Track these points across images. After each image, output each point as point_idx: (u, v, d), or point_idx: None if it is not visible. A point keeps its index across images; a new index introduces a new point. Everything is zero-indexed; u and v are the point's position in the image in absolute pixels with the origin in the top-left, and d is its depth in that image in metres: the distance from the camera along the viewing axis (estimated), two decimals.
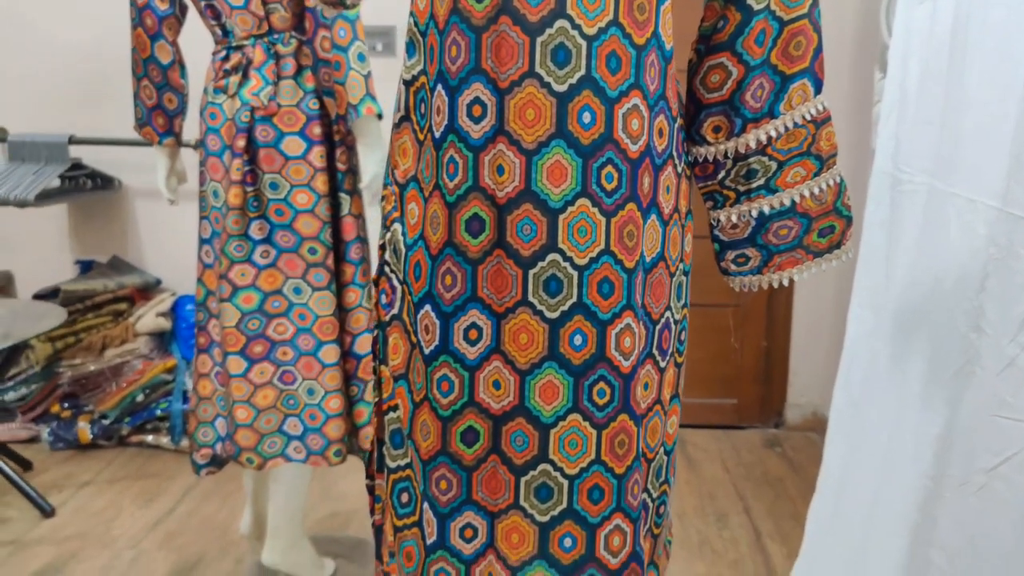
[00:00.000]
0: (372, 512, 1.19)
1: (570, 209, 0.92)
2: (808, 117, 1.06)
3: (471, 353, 0.95)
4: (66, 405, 3.28)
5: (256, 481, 2.33)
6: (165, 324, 3.34)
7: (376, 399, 1.11)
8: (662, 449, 1.09)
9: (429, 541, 1.01)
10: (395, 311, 1.03)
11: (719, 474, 3.13)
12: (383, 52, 3.24)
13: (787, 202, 1.09)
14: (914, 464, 1.42)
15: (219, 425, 2.15)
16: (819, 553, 1.85)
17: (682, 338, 1.10)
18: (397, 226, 1.02)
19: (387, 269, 1.05)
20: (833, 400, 1.90)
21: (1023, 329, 1.15)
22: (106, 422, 3.23)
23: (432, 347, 0.97)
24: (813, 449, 3.32)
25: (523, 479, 0.97)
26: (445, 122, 0.93)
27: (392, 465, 1.06)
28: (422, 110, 0.97)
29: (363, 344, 2.11)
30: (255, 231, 1.99)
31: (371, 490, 1.18)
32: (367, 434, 2.14)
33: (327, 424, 2.07)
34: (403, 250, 1.00)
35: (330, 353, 2.05)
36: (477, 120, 0.91)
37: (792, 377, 3.47)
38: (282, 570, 2.29)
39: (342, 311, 2.09)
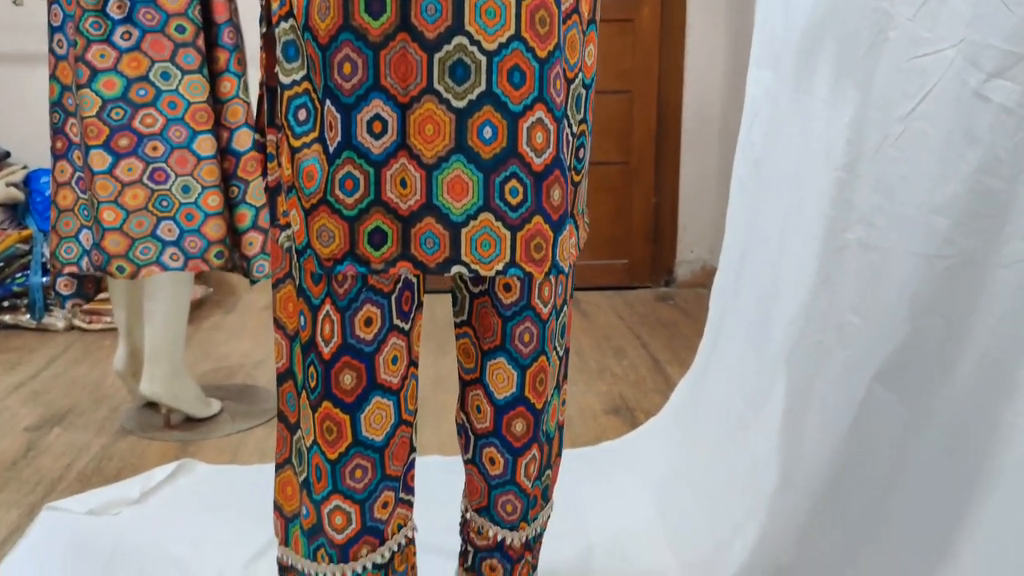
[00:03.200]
0: (265, 174, 1.07)
1: None
2: None
3: None
4: None
5: (129, 312, 2.15)
6: (18, 195, 3.07)
7: (266, 20, 0.99)
8: (581, 76, 1.01)
9: (333, 146, 0.91)
10: None
11: (614, 321, 3.11)
12: None
13: None
14: (825, 166, 1.40)
15: (84, 238, 1.97)
16: (724, 326, 1.83)
17: None
18: None
19: None
20: (734, 170, 1.87)
21: None
22: None
23: None
24: (704, 302, 3.34)
25: (436, 56, 0.88)
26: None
27: (287, 81, 0.95)
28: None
29: (242, 139, 1.96)
30: (114, 9, 1.81)
31: (262, 147, 1.06)
32: (251, 239, 2.00)
33: (206, 223, 1.92)
34: None
35: (206, 144, 1.89)
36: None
37: (681, 233, 3.48)
38: (163, 402, 2.13)
39: (217, 103, 1.93)
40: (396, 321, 0.99)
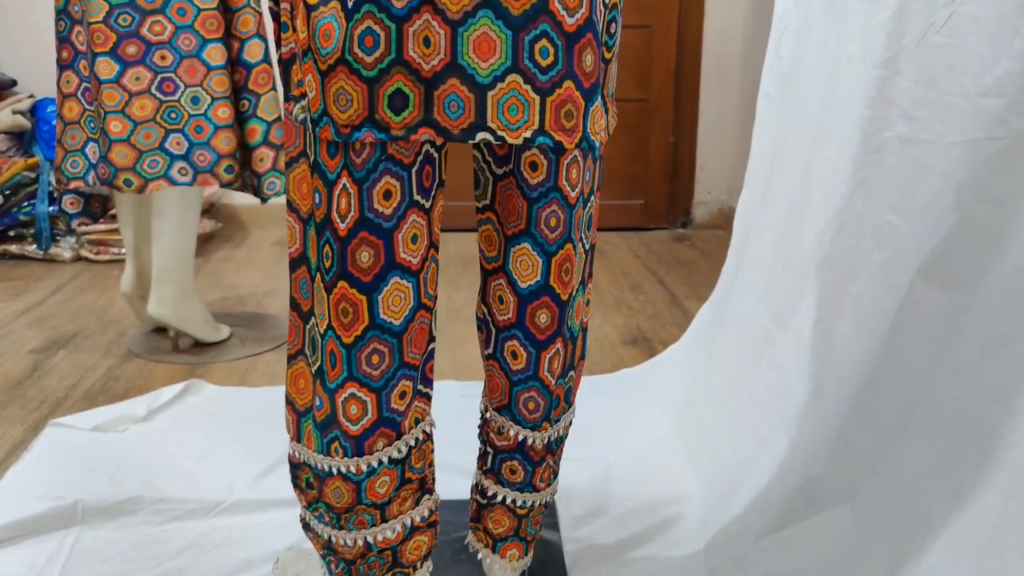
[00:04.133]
0: (279, 45, 1.01)
1: None
2: None
3: None
4: None
5: (137, 232, 2.11)
6: (24, 123, 3.01)
7: None
8: None
9: (352, 0, 0.85)
10: None
11: (630, 259, 3.05)
12: None
13: None
14: (862, 66, 1.33)
15: (90, 151, 1.91)
16: (749, 245, 1.77)
17: None
18: None
19: None
20: (761, 88, 1.80)
21: None
22: None
23: None
24: (722, 243, 3.28)
25: None
26: None
27: None
28: None
29: (253, 50, 1.90)
30: None
31: (280, 18, 1.00)
32: (262, 155, 1.94)
33: (216, 136, 1.86)
34: None
35: (216, 54, 1.83)
36: None
37: (699, 173, 3.41)
38: (171, 324, 2.09)
39: (227, 12, 1.86)
40: (416, 197, 0.94)
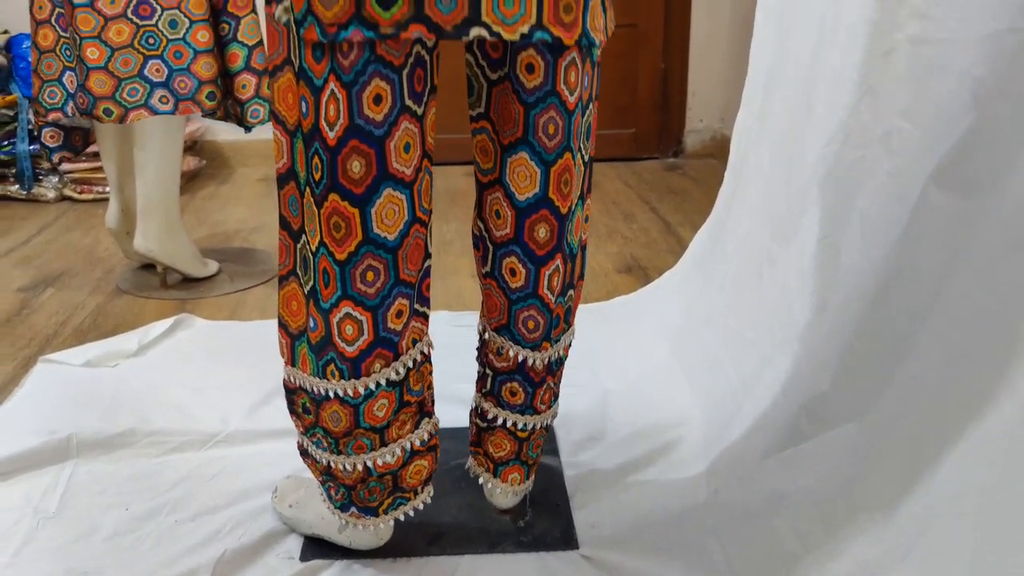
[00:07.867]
0: None
1: None
2: None
3: None
4: None
5: (120, 166, 2.05)
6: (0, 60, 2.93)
7: None
8: None
9: None
10: None
11: (621, 189, 3.00)
12: None
13: None
14: None
15: (68, 80, 1.85)
16: (746, 166, 1.72)
17: None
18: None
19: None
20: (755, 21, 1.74)
21: None
22: None
23: None
24: (715, 172, 3.23)
25: None
26: None
27: None
28: None
29: None
30: None
31: None
32: (244, 82, 1.88)
33: (196, 61, 1.80)
34: None
35: None
36: None
37: (691, 101, 3.34)
38: (158, 259, 2.04)
39: None
40: (408, 102, 0.89)
